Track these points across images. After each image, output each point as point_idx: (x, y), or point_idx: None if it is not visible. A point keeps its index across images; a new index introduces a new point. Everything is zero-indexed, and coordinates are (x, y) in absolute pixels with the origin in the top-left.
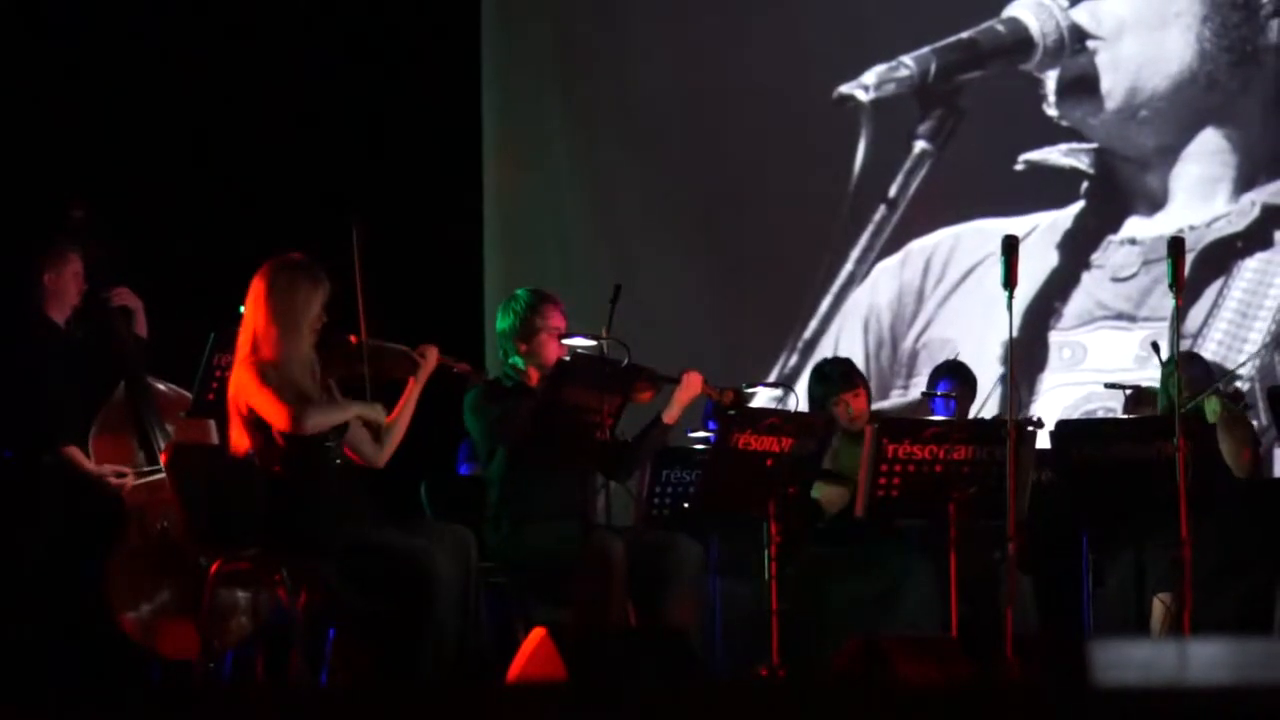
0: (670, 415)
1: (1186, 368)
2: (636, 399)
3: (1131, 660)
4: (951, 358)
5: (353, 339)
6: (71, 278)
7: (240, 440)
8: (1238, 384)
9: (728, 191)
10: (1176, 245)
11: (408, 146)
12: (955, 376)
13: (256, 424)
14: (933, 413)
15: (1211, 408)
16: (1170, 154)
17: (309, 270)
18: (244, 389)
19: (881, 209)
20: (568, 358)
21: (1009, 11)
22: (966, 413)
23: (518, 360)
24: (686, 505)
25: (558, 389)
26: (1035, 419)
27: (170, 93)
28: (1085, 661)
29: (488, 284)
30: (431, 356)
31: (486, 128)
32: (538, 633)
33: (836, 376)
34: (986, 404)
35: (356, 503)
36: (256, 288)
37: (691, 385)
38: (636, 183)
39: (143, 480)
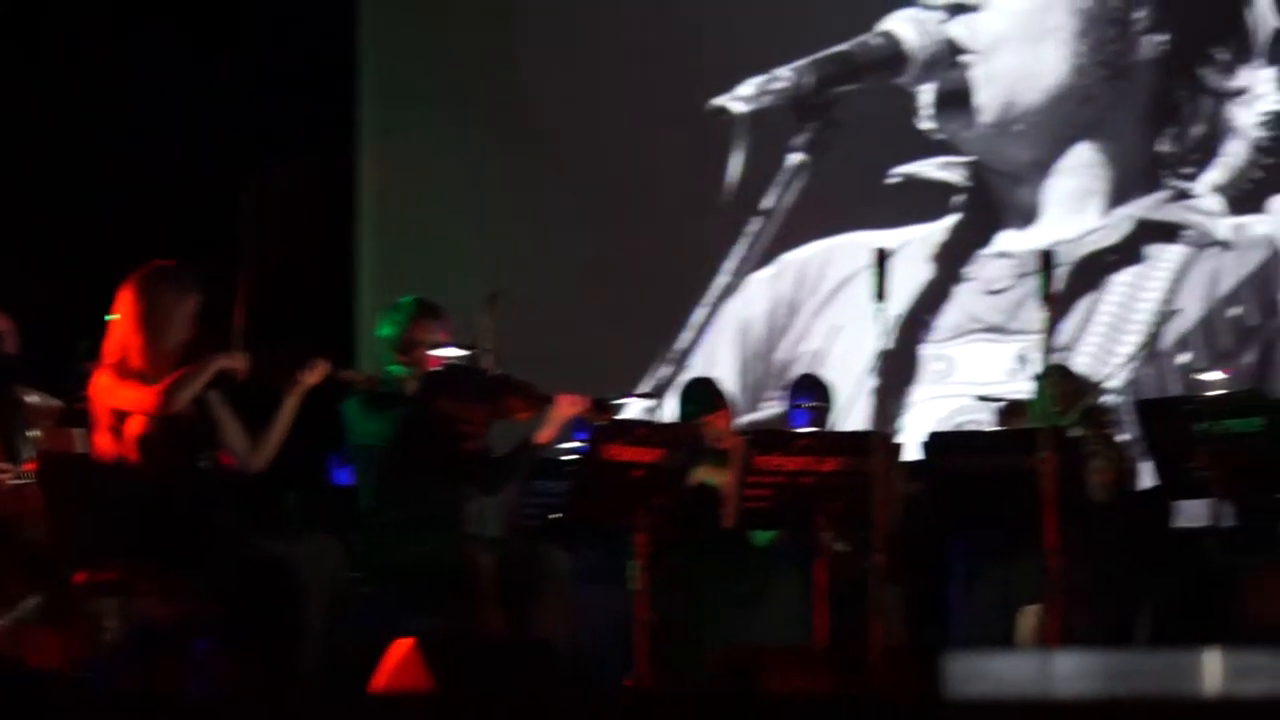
0: (543, 435)
1: (1064, 381)
2: (514, 418)
3: (987, 672)
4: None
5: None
6: None
7: (105, 445)
8: (1106, 398)
9: (606, 201)
10: (1045, 258)
11: (281, 145)
12: (815, 389)
13: (123, 431)
14: (794, 424)
15: (1073, 428)
16: (1044, 168)
17: (179, 279)
18: (107, 391)
19: (756, 220)
20: (440, 368)
21: (885, 25)
22: (824, 425)
23: (396, 369)
24: (556, 515)
25: (429, 399)
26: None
27: (33, 91)
28: (938, 674)
29: (362, 287)
30: (320, 368)
31: (364, 128)
32: (404, 643)
33: (699, 398)
34: (854, 416)
35: (226, 511)
36: (126, 296)
37: (564, 407)
38: (515, 190)
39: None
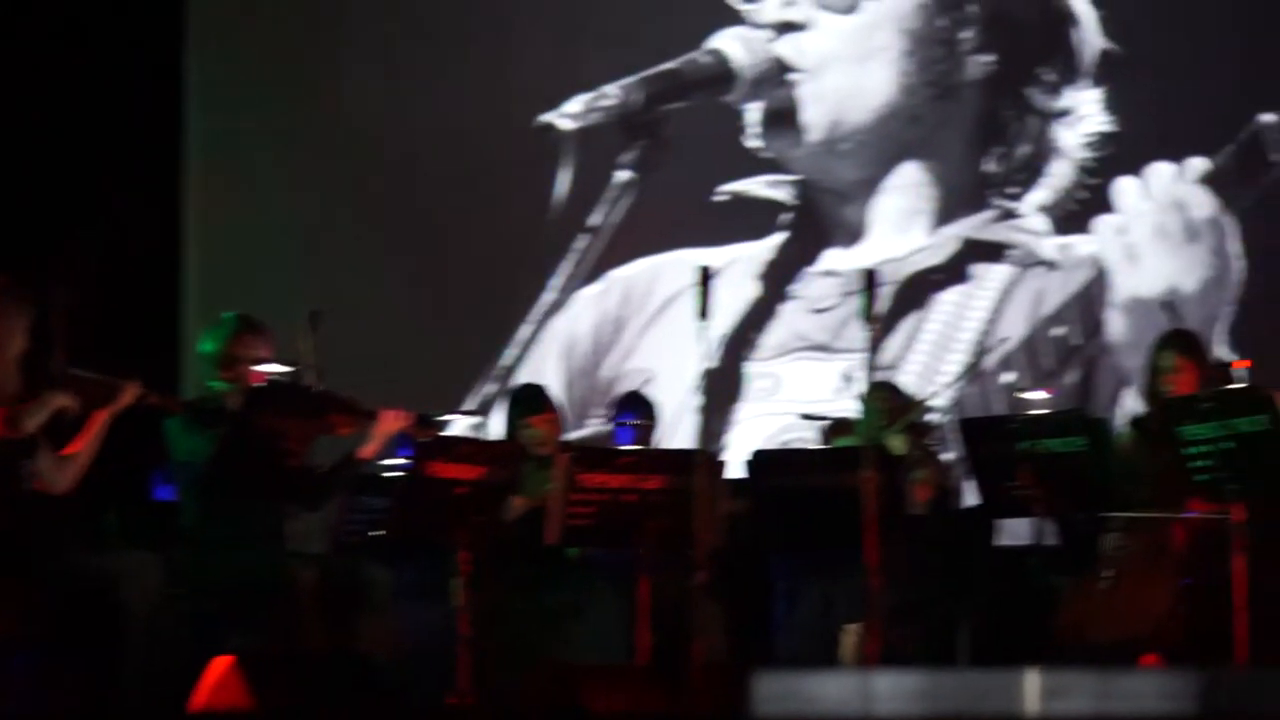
0: (366, 451)
1: (891, 397)
2: (336, 432)
3: (802, 691)
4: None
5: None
6: None
7: None
8: (930, 417)
9: (432, 216)
10: (868, 278)
11: (105, 164)
12: (639, 406)
13: None
14: (617, 442)
15: (895, 444)
16: (871, 186)
17: (14, 292)
18: None
19: (583, 237)
20: (261, 384)
21: (713, 43)
22: (648, 442)
23: (218, 385)
24: (378, 532)
25: (251, 415)
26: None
27: None
28: (746, 693)
29: (186, 305)
30: (130, 392)
31: (189, 146)
32: (223, 661)
33: (524, 401)
34: (679, 434)
35: (46, 528)
36: None
37: (388, 422)
38: (341, 205)
39: None
